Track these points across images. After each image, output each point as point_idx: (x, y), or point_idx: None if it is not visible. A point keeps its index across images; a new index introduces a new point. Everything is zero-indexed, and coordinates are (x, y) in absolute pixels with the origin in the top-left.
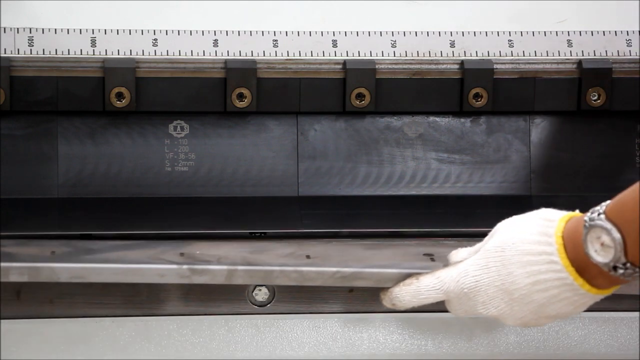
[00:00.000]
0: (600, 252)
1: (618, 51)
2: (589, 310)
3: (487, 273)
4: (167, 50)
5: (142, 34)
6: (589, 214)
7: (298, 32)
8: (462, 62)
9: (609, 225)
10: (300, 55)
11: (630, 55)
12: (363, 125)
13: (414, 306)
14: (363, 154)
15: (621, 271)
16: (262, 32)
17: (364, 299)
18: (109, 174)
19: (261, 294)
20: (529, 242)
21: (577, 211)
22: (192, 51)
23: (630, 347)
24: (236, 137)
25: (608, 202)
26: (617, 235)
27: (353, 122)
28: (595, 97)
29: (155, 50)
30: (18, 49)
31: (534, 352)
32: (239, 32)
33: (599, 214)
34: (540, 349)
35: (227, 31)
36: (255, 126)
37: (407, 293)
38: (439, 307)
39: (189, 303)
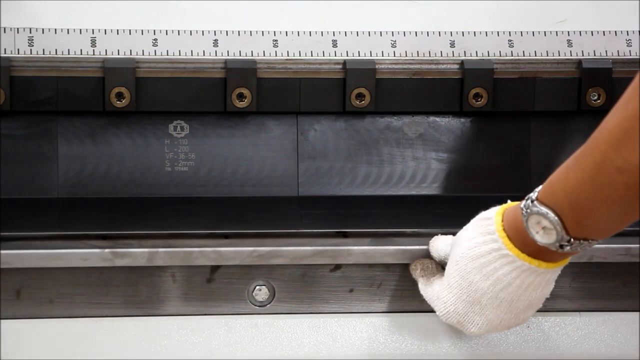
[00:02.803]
0: (544, 235)
1: (618, 51)
2: (589, 310)
3: (451, 292)
4: (167, 50)
5: (142, 34)
6: (524, 201)
7: (298, 32)
8: (462, 62)
9: (544, 210)
10: (300, 55)
11: (630, 55)
12: (363, 125)
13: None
14: (363, 154)
15: (568, 247)
16: (262, 32)
17: (364, 299)
18: (109, 174)
19: (261, 294)
20: (476, 245)
21: (508, 201)
22: (192, 51)
23: (630, 347)
24: (236, 137)
25: (540, 187)
26: (553, 217)
27: (353, 122)
28: (595, 97)
29: (155, 50)
30: (18, 49)
31: (534, 352)
32: (239, 32)
33: (532, 201)
34: (540, 349)
35: (227, 31)
36: (255, 126)
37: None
38: None
39: (189, 303)
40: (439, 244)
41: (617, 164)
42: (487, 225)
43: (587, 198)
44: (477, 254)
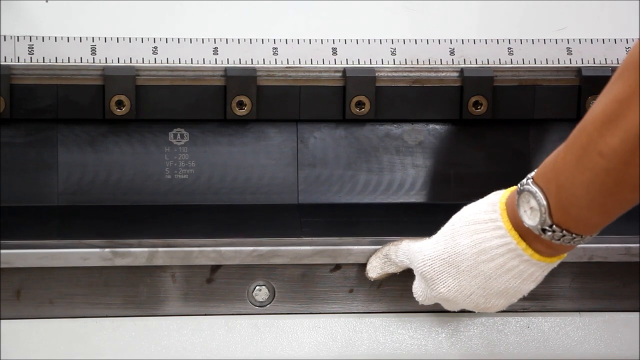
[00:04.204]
0: (531, 216)
1: (617, 59)
2: (589, 310)
3: (436, 247)
4: (167, 58)
5: (142, 42)
6: (523, 179)
7: (298, 39)
8: (461, 70)
9: (534, 189)
10: (300, 63)
11: None
12: (363, 133)
13: (394, 267)
14: (363, 161)
15: (549, 233)
16: (262, 39)
17: (364, 299)
18: (109, 182)
19: (261, 294)
20: (477, 212)
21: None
22: (192, 59)
23: (630, 347)
24: (236, 145)
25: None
26: (541, 197)
27: (353, 130)
28: None
29: (155, 58)
30: (18, 57)
31: (534, 352)
32: (238, 40)
33: (527, 179)
34: (540, 349)
35: (227, 39)
36: (255, 134)
37: (392, 250)
38: (439, 307)
39: (189, 303)
40: (403, 246)
41: (600, 148)
42: (495, 197)
43: (572, 182)
44: (474, 219)
